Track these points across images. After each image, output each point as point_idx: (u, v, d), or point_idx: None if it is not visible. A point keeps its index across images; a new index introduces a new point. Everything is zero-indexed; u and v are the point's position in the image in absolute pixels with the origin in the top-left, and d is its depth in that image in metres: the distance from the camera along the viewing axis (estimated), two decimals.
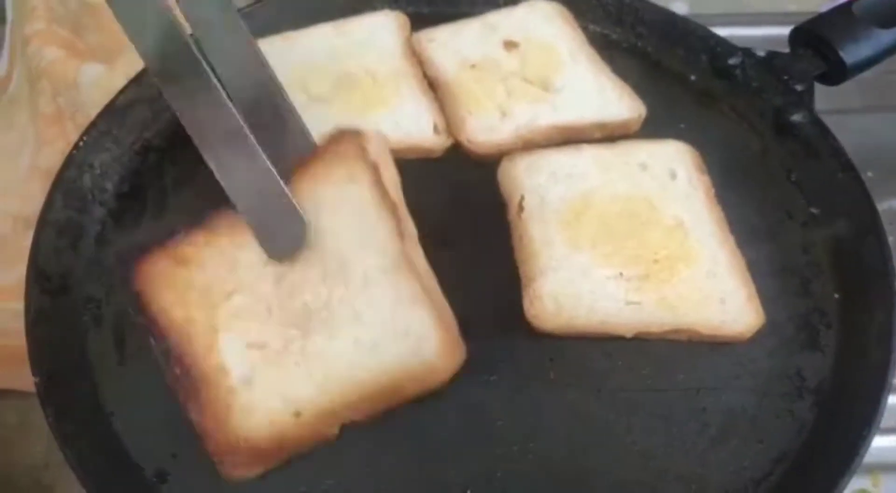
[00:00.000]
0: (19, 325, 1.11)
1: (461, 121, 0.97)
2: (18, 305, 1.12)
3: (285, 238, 0.75)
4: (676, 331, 0.85)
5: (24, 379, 1.07)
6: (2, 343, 1.10)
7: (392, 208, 0.75)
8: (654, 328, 0.85)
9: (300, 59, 1.03)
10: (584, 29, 1.08)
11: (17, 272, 1.16)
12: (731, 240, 0.90)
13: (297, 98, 0.97)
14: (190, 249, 0.76)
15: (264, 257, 0.76)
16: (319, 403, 0.73)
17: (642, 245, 0.88)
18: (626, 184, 0.92)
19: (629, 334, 0.85)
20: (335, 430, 0.76)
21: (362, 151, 0.76)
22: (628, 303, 0.85)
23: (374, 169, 0.76)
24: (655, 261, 0.87)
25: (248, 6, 1.09)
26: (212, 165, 0.75)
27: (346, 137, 0.77)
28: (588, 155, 0.95)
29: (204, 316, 0.74)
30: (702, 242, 0.89)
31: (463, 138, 0.97)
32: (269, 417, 0.73)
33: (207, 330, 0.74)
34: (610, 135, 0.99)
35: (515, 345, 0.86)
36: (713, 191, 0.94)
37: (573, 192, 0.92)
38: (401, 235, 0.76)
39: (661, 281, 0.86)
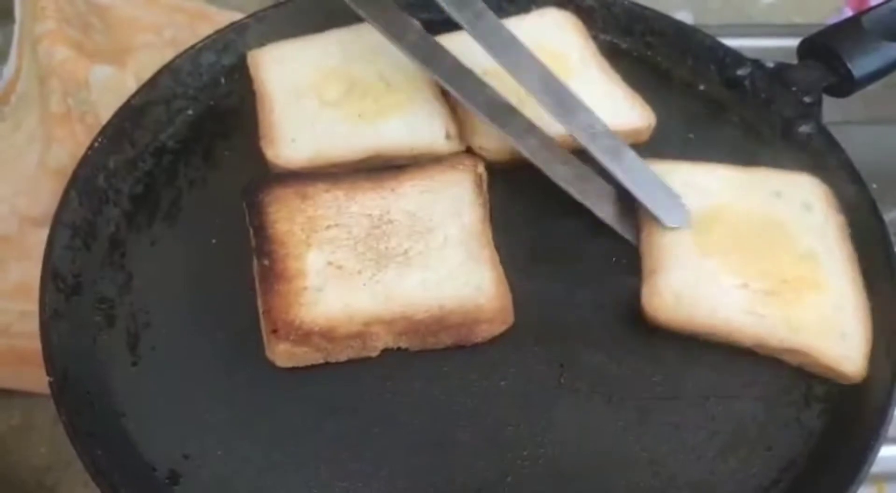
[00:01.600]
0: (24, 325, 1.12)
1: (473, 127, 0.98)
2: (23, 305, 1.13)
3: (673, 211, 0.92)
4: (793, 352, 0.85)
5: (28, 380, 1.08)
6: (8, 343, 1.10)
7: (483, 204, 0.92)
8: (773, 343, 0.85)
9: (313, 63, 1.03)
10: (595, 38, 1.09)
11: (22, 271, 1.16)
12: (859, 281, 0.90)
13: (310, 103, 1.00)
14: (311, 189, 0.91)
15: (368, 211, 0.91)
16: (373, 314, 0.84)
17: (773, 264, 0.89)
18: (760, 206, 0.93)
19: (747, 343, 0.86)
20: (377, 348, 0.85)
21: (473, 164, 0.95)
22: (750, 313, 0.86)
23: (479, 177, 0.94)
24: (784, 281, 0.88)
25: (261, 10, 1.09)
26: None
27: (465, 157, 0.97)
28: (721, 174, 0.96)
29: (302, 234, 0.89)
30: (833, 274, 0.89)
31: (475, 144, 0.98)
32: (327, 313, 0.84)
33: (301, 243, 0.88)
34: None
35: (526, 350, 0.87)
36: (847, 230, 0.94)
37: (706, 203, 0.93)
38: (485, 222, 0.91)
39: (787, 301, 0.87)
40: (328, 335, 0.83)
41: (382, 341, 0.85)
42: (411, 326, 0.84)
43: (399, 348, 0.86)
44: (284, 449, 0.81)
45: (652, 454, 0.82)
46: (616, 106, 1.01)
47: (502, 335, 0.87)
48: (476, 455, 0.81)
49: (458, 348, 0.86)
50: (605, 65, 1.06)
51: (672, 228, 0.91)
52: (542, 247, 0.94)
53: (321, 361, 0.84)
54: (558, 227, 0.95)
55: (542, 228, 0.95)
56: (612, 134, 0.94)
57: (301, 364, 0.84)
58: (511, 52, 0.95)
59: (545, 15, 1.10)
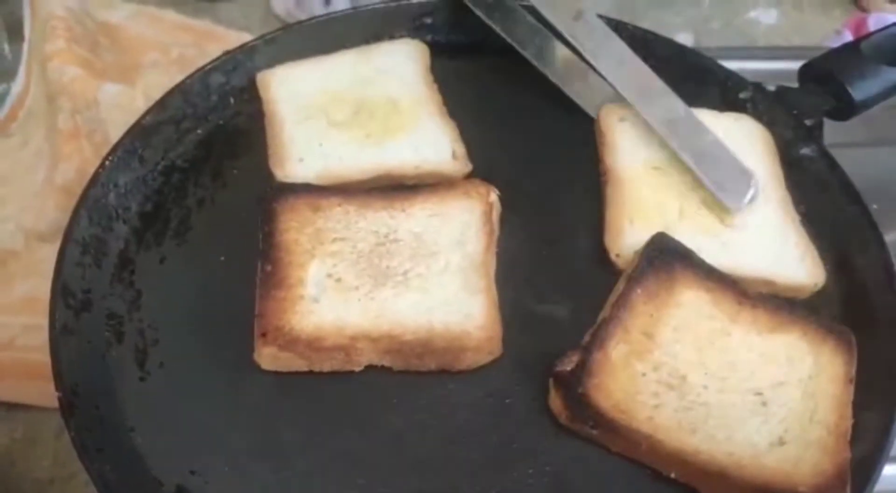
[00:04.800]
0: (29, 339, 1.12)
1: None
2: (28, 319, 1.14)
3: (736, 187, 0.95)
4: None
5: (32, 393, 1.08)
6: (12, 357, 1.11)
7: (489, 233, 0.92)
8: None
9: (322, 85, 1.05)
10: None
11: (29, 287, 1.17)
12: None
13: (318, 123, 1.01)
14: (325, 202, 0.94)
15: (376, 228, 0.92)
16: (361, 330, 0.85)
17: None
18: None
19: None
20: (361, 363, 0.86)
21: (486, 192, 0.95)
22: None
23: (489, 206, 0.94)
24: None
25: (270, 33, 1.11)
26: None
27: (478, 184, 0.96)
28: None
29: (308, 244, 0.91)
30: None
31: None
32: (317, 323, 0.86)
33: (305, 253, 0.90)
34: None
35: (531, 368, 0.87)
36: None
37: None
38: (488, 251, 0.91)
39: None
40: (314, 345, 0.84)
41: (367, 357, 0.86)
42: (396, 345, 0.85)
43: (383, 367, 0.87)
44: (291, 465, 0.81)
45: (654, 474, 0.82)
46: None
47: (509, 355, 0.88)
48: (481, 473, 0.82)
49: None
50: None
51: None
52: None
53: (305, 369, 0.86)
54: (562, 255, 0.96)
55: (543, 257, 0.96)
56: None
57: (284, 370, 0.86)
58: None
59: None
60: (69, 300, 0.87)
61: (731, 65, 1.12)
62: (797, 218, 0.99)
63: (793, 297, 0.93)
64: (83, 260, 0.91)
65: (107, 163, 0.96)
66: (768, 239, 0.95)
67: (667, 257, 0.89)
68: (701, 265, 0.90)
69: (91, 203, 0.93)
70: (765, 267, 0.93)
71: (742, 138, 1.03)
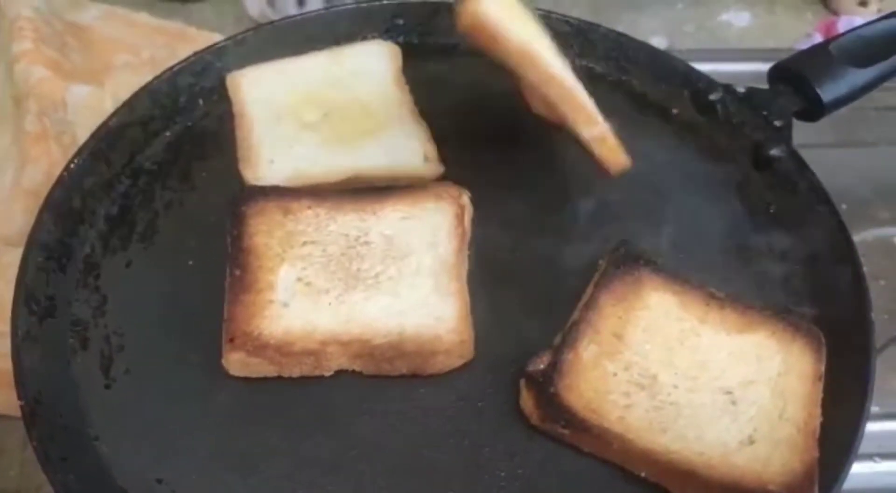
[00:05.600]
0: None
1: None
2: None
3: None
4: None
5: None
6: None
7: (461, 235, 0.92)
8: None
9: (293, 86, 1.04)
10: (572, 62, 1.09)
11: None
12: None
13: (288, 125, 1.00)
14: (295, 204, 0.92)
15: (346, 231, 0.91)
16: (332, 335, 0.85)
17: None
18: None
19: None
20: (331, 368, 0.86)
21: (457, 194, 0.95)
22: None
23: (461, 208, 0.94)
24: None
25: (241, 33, 1.10)
26: None
27: (450, 186, 0.96)
28: None
29: (279, 248, 0.90)
30: None
31: None
32: (286, 327, 0.85)
33: (275, 257, 0.89)
34: None
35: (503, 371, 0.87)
36: None
37: None
38: (460, 253, 0.91)
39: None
40: (283, 350, 0.84)
41: (337, 361, 0.85)
42: (367, 350, 0.84)
43: (353, 371, 0.86)
44: (260, 472, 0.81)
45: (624, 475, 0.82)
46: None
47: (481, 358, 0.87)
48: (454, 477, 0.81)
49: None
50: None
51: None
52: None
53: (274, 374, 0.85)
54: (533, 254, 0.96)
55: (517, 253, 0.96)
56: None
57: (254, 375, 0.85)
58: None
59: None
60: (32, 306, 0.86)
61: (704, 67, 1.12)
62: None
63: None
64: (47, 265, 0.89)
65: (72, 166, 0.94)
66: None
67: (632, 261, 0.90)
68: (666, 269, 0.90)
69: (55, 207, 0.92)
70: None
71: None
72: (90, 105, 1.24)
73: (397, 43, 1.10)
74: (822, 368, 0.87)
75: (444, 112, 1.05)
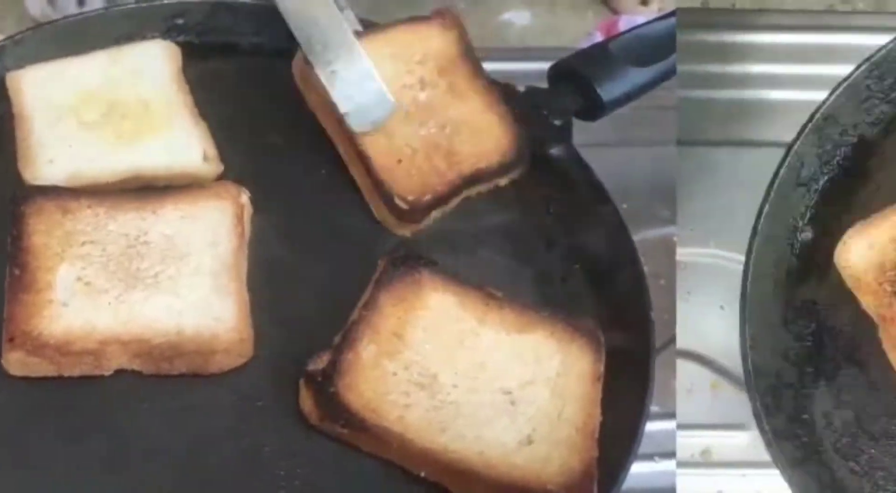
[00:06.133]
0: None
1: None
2: None
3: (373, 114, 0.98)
4: None
5: None
6: None
7: (240, 235, 0.93)
8: None
9: (72, 86, 1.03)
10: None
11: None
12: None
13: (68, 124, 1.00)
14: (75, 204, 0.92)
15: (126, 230, 0.91)
16: (112, 334, 0.85)
17: None
18: None
19: None
20: (111, 368, 0.86)
21: (237, 194, 0.96)
22: None
23: (240, 207, 0.95)
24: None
25: (19, 33, 1.08)
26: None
27: (229, 185, 0.97)
28: None
29: (58, 247, 0.89)
30: None
31: None
32: (66, 327, 0.85)
33: (55, 256, 0.89)
34: None
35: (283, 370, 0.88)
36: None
37: None
38: (239, 252, 0.93)
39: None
40: (63, 349, 0.84)
41: (117, 361, 0.86)
42: (146, 349, 0.85)
43: (133, 370, 0.87)
44: (41, 473, 0.81)
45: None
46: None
47: (262, 358, 0.89)
48: (232, 477, 0.83)
49: None
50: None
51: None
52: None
53: (54, 373, 0.85)
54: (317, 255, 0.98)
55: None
56: None
57: (34, 375, 0.85)
58: None
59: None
60: None
61: (486, 66, 1.10)
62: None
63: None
64: None
65: None
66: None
67: (411, 262, 0.90)
68: (446, 270, 0.92)
69: None
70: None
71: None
72: None
73: (177, 42, 1.10)
74: (602, 368, 0.88)
75: (224, 111, 1.06)
